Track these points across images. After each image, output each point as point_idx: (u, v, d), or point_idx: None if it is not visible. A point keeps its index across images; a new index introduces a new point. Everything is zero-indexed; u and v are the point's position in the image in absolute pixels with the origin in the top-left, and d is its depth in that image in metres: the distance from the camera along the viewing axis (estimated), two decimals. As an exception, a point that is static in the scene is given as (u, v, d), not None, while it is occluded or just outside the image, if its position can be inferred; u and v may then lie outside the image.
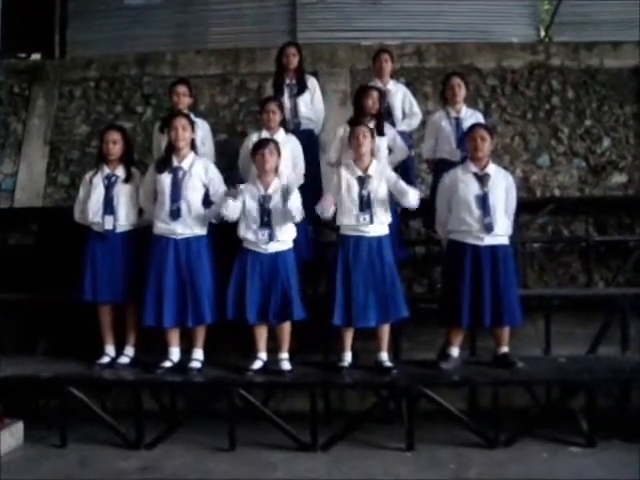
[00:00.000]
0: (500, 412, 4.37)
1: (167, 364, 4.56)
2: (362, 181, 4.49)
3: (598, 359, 4.98)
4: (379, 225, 4.48)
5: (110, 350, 4.76)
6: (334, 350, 4.70)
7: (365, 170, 4.53)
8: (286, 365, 4.49)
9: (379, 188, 4.50)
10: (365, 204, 4.44)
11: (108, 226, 4.67)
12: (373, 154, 4.64)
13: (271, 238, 4.42)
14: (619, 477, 3.83)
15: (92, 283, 4.65)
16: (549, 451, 4.22)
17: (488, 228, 4.43)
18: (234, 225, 4.52)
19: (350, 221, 4.46)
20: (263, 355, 4.56)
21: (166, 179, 4.55)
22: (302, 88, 5.56)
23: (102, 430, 4.48)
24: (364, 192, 4.46)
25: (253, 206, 4.47)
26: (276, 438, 4.37)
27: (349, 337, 4.56)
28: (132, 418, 4.40)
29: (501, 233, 4.49)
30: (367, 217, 4.43)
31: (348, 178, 4.52)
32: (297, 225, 4.61)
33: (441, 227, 4.73)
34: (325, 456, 4.24)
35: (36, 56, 8.46)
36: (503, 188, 4.56)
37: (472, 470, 3.98)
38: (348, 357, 4.57)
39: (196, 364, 4.55)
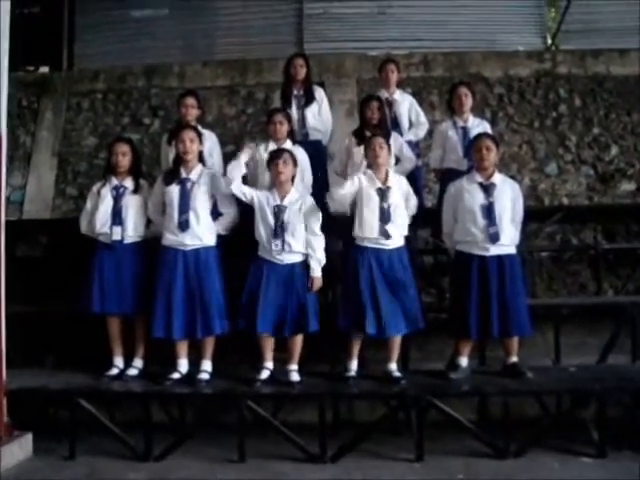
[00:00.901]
0: (510, 422, 4.34)
1: (175, 376, 4.56)
2: (382, 193, 4.49)
3: (608, 368, 4.95)
4: (398, 237, 4.48)
5: (119, 362, 4.77)
6: (342, 360, 4.68)
7: (384, 182, 4.53)
8: (295, 376, 4.48)
9: (398, 199, 4.52)
10: (387, 216, 4.44)
11: (116, 237, 4.68)
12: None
13: (284, 249, 4.42)
14: (630, 487, 3.80)
15: (100, 295, 4.65)
16: (560, 461, 4.19)
17: (493, 238, 4.41)
18: (244, 237, 4.53)
19: (372, 234, 4.44)
20: (270, 365, 4.55)
21: (174, 191, 4.57)
22: (310, 99, 5.57)
23: (111, 442, 4.47)
24: (384, 204, 4.46)
25: (268, 213, 4.48)
26: (285, 449, 4.35)
27: (357, 346, 4.56)
28: (141, 430, 4.40)
29: (507, 243, 4.47)
30: (387, 229, 4.42)
31: (368, 189, 4.50)
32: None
33: (448, 237, 4.72)
34: (334, 467, 4.22)
35: (44, 69, 8.51)
36: (509, 197, 4.55)
37: (482, 480, 3.96)
38: (354, 366, 4.57)
39: (204, 375, 4.54)
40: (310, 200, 4.63)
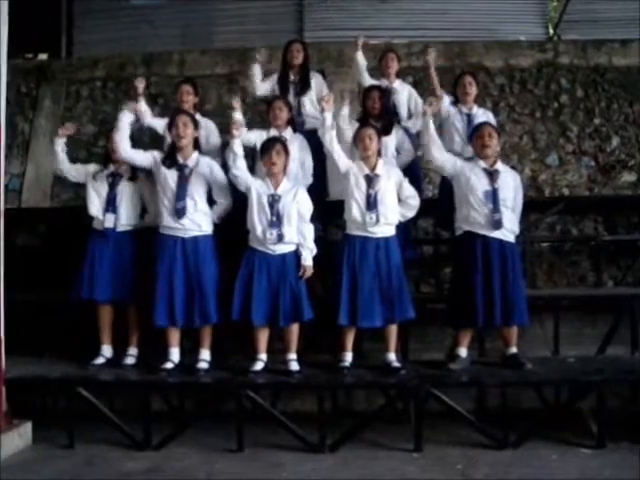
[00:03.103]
0: (509, 413, 4.36)
1: (168, 365, 4.54)
2: (370, 180, 4.49)
3: (607, 360, 4.96)
4: (386, 225, 4.47)
5: (106, 351, 4.76)
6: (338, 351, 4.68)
7: (373, 169, 4.52)
8: (294, 366, 4.47)
9: (387, 188, 4.50)
10: (372, 203, 4.43)
11: (109, 224, 4.69)
12: (380, 154, 4.64)
13: (280, 239, 4.41)
14: (628, 479, 3.79)
15: (89, 282, 4.64)
16: (558, 452, 4.19)
17: (497, 224, 4.41)
18: (240, 224, 4.51)
19: (357, 219, 4.45)
20: (263, 356, 4.54)
21: (172, 176, 4.55)
22: (306, 86, 5.52)
23: (110, 431, 4.47)
24: (371, 191, 4.46)
25: (263, 202, 4.45)
26: (284, 439, 4.36)
27: (350, 337, 4.55)
28: (140, 419, 4.39)
29: (508, 228, 4.46)
30: (373, 216, 4.41)
31: (357, 176, 4.51)
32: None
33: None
34: (333, 457, 4.22)
35: (43, 56, 8.49)
36: (512, 186, 4.55)
37: (480, 471, 3.94)
38: (349, 357, 4.56)
39: (204, 365, 4.54)
40: (302, 189, 4.62)
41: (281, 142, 4.60)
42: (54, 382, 4.60)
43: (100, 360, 4.72)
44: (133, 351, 4.77)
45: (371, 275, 4.42)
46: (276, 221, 4.42)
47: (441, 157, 4.63)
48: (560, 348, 5.15)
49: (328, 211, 5.15)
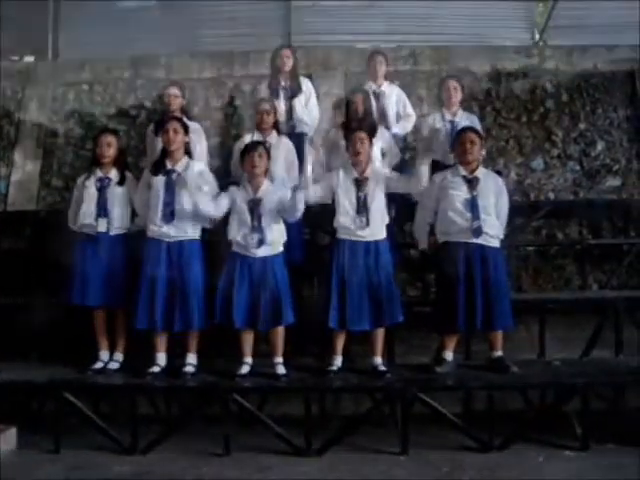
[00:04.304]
0: (494, 416, 4.38)
1: (155, 369, 4.53)
2: (359, 183, 4.51)
3: (592, 362, 5.00)
4: (375, 229, 4.48)
5: (104, 355, 4.74)
6: (327, 354, 4.68)
7: (362, 173, 4.54)
8: (281, 369, 4.48)
9: (376, 191, 4.52)
10: (362, 206, 4.46)
11: (101, 229, 4.66)
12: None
13: (261, 242, 4.41)
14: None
15: (81, 287, 4.61)
16: (543, 455, 4.22)
17: (477, 232, 4.42)
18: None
19: (346, 223, 4.46)
20: (249, 359, 4.54)
21: (160, 182, 4.56)
22: (297, 90, 5.56)
23: (96, 435, 4.45)
24: (361, 194, 4.48)
25: (244, 209, 4.47)
26: (271, 442, 4.36)
27: (340, 341, 4.56)
28: (127, 423, 4.37)
29: (491, 233, 4.47)
30: (363, 220, 4.43)
31: (345, 180, 4.53)
32: (291, 227, 4.61)
33: (421, 227, 4.73)
34: (320, 460, 4.23)
35: (29, 58, 8.43)
36: (492, 191, 4.56)
37: (466, 473, 3.97)
38: (338, 361, 4.57)
39: (190, 369, 4.53)
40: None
41: (263, 146, 4.63)
42: (40, 387, 4.58)
43: (99, 365, 4.69)
44: (117, 356, 4.75)
45: (360, 279, 4.43)
46: (257, 226, 4.43)
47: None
48: (546, 351, 5.19)
49: (315, 215, 5.15)
